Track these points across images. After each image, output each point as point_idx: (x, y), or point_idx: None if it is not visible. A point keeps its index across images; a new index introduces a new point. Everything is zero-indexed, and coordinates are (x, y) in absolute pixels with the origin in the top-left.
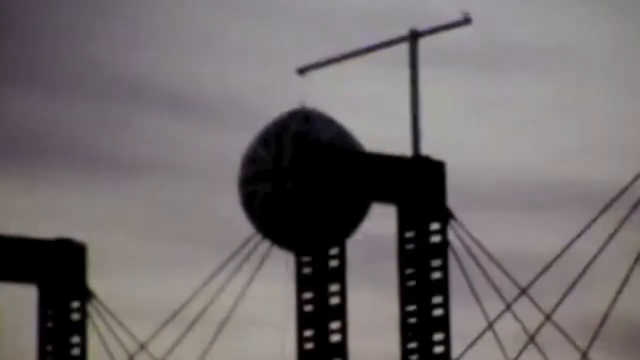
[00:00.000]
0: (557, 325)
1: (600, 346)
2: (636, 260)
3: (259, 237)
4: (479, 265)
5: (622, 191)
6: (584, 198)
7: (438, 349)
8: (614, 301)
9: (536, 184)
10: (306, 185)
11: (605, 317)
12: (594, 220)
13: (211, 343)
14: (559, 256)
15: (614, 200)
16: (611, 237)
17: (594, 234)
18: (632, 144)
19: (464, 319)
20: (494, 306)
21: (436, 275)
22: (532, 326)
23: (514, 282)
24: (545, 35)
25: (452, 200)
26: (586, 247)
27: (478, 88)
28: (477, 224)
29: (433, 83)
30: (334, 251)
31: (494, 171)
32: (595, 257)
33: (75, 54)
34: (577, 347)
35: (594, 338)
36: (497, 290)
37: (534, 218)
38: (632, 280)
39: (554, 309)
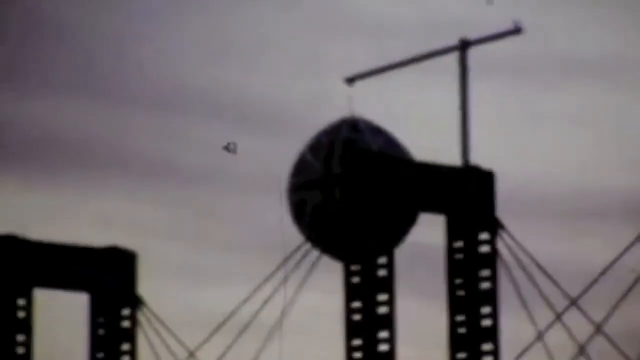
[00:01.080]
0: (607, 336)
1: None
2: None
3: (307, 245)
4: (528, 275)
5: None
6: (633, 209)
7: (487, 359)
8: None
9: (585, 194)
10: (355, 193)
11: None
12: None
13: (260, 350)
14: (609, 267)
15: None
16: None
17: None
18: None
19: (513, 329)
20: (543, 316)
21: (485, 285)
22: (581, 337)
23: (564, 292)
24: (593, 45)
25: (502, 210)
26: (636, 258)
27: (528, 98)
28: (526, 234)
29: (482, 93)
30: (382, 260)
31: (543, 181)
32: None
33: (131, 64)
34: (627, 358)
35: None
36: (547, 300)
37: (583, 228)
38: None
39: (605, 319)
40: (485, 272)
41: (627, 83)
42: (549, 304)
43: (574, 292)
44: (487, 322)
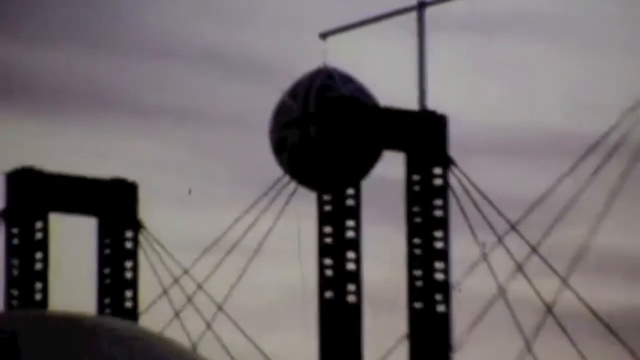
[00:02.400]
0: (541, 256)
1: (580, 274)
2: (611, 197)
3: (287, 178)
4: (475, 204)
5: (599, 140)
6: (567, 146)
7: (439, 276)
8: (591, 234)
9: (526, 134)
10: (328, 133)
11: (583, 248)
12: (576, 164)
13: (244, 270)
14: (545, 195)
15: (592, 147)
16: (590, 178)
17: (579, 177)
18: (615, 100)
19: (462, 250)
20: (489, 239)
21: (438, 212)
22: (520, 257)
23: (505, 218)
24: (546, 2)
25: (454, 149)
26: (571, 188)
27: (478, 51)
28: (475, 169)
29: (439, 47)
30: (350, 191)
31: (492, 123)
32: (576, 195)
33: (130, 16)
34: (557, 274)
35: (572, 266)
36: (490, 225)
37: (524, 164)
38: (607, 217)
39: (539, 242)
40: (438, 202)
41: (567, 37)
42: (492, 228)
43: (515, 219)
44: (439, 245)
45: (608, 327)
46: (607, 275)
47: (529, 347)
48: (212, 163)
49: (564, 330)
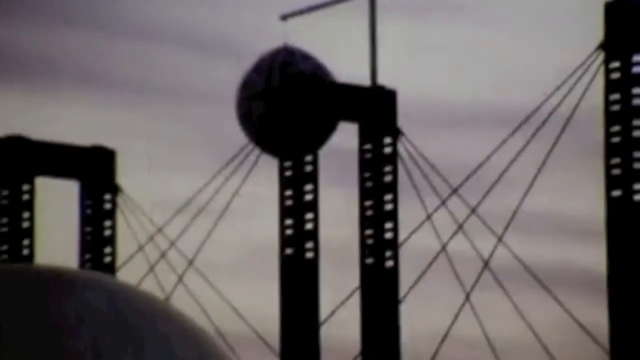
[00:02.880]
0: (479, 217)
1: (514, 234)
2: (540, 166)
3: (252, 145)
4: (421, 170)
5: (531, 113)
6: (504, 117)
7: (388, 235)
8: (523, 197)
9: (469, 107)
10: (290, 105)
11: (516, 211)
12: (511, 134)
13: (212, 229)
14: (483, 162)
15: (525, 119)
16: (523, 148)
17: (513, 148)
18: (547, 77)
19: (409, 212)
20: (433, 203)
21: (387, 178)
22: (462, 218)
23: (448, 182)
24: None
25: (402, 121)
26: (507, 156)
27: (424, 31)
28: (421, 139)
29: (388, 28)
30: (309, 158)
31: (437, 98)
32: (510, 162)
33: (111, 2)
34: (494, 233)
35: (507, 226)
36: (434, 189)
37: (467, 134)
38: (538, 182)
39: (478, 204)
40: (388, 168)
41: (505, 18)
42: (436, 192)
43: (457, 184)
44: (389, 207)
45: (539, 280)
46: (539, 234)
47: (467, 298)
48: (184, 132)
49: (499, 283)
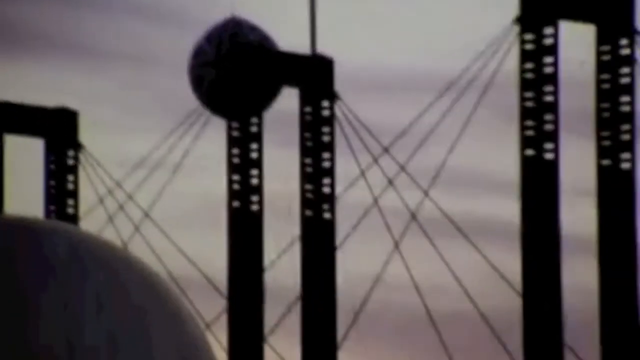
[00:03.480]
0: (409, 174)
1: (440, 188)
2: (463, 127)
3: (202, 108)
4: (355, 130)
5: (455, 79)
6: (435, 82)
7: (326, 189)
8: (447, 155)
9: (401, 72)
10: (237, 72)
11: (441, 167)
12: (437, 98)
13: (167, 183)
14: (413, 123)
15: (449, 85)
16: (448, 110)
17: (440, 111)
18: (472, 44)
19: (346, 170)
20: (366, 161)
21: (326, 138)
22: (392, 174)
23: (379, 142)
24: None
25: (339, 85)
26: (434, 119)
27: (361, 3)
28: (357, 103)
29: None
30: (255, 120)
31: (373, 63)
32: (436, 124)
33: None
34: (421, 187)
35: (433, 181)
36: (367, 148)
37: (398, 98)
38: (462, 142)
39: (407, 160)
40: (326, 129)
41: None
42: (369, 151)
43: (388, 143)
44: (326, 164)
45: (460, 230)
46: (462, 189)
47: (397, 246)
48: (141, 95)
49: (425, 233)
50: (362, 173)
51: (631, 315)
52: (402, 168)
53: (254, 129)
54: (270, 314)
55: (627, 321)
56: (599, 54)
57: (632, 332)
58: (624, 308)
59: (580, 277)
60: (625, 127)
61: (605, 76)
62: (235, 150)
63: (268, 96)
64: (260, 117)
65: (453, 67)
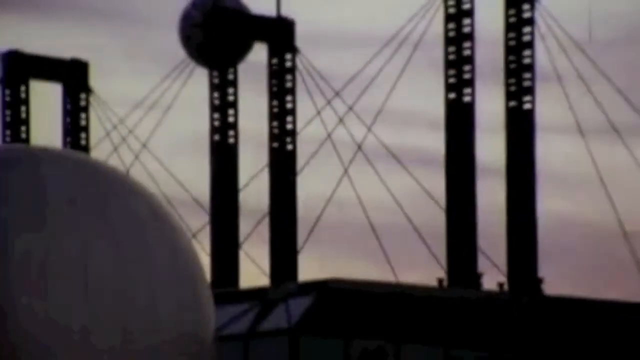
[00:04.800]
0: (355, 113)
1: (382, 125)
2: (400, 74)
3: (189, 59)
4: (313, 78)
5: (394, 35)
6: (381, 39)
7: (289, 126)
8: (386, 98)
9: (358, 30)
10: (218, 31)
11: (381, 108)
12: (379, 51)
13: (161, 120)
14: (360, 71)
15: (390, 40)
16: (388, 61)
17: (382, 61)
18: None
19: (305, 109)
20: (321, 101)
21: (289, 84)
22: (342, 113)
23: (331, 86)
24: None
25: (300, 41)
26: (377, 68)
27: None
28: (316, 55)
29: None
30: (231, 69)
31: (330, 22)
32: (378, 72)
33: None
34: (365, 124)
35: (375, 118)
36: (322, 91)
37: (352, 52)
38: (399, 87)
39: (354, 102)
40: (289, 77)
41: None
42: (323, 94)
43: (339, 88)
44: (289, 105)
45: (397, 159)
46: (399, 125)
47: (346, 172)
48: (140, 48)
49: (369, 161)
50: (318, 112)
51: (530, 227)
52: (350, 108)
53: (230, 76)
54: (245, 226)
55: (528, 232)
56: (507, 16)
57: (531, 240)
58: (525, 221)
59: (491, 196)
60: (527, 75)
61: (511, 34)
62: (216, 94)
63: (242, 50)
64: (235, 67)
65: (394, 25)
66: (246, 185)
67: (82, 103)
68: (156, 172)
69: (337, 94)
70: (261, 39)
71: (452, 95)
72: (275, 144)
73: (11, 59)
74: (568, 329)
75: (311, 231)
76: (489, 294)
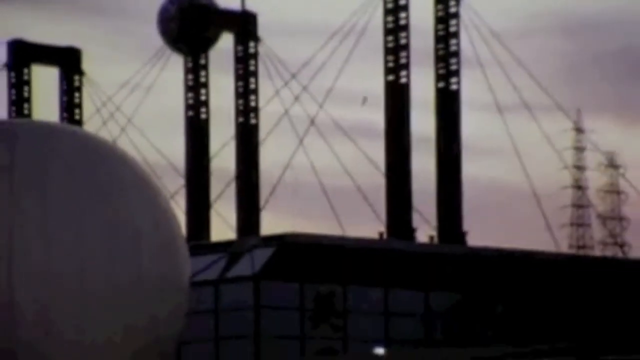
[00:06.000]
0: (309, 92)
1: (330, 103)
2: (347, 57)
3: (166, 47)
4: (273, 63)
5: (339, 27)
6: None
7: (252, 103)
8: (335, 79)
9: (316, 22)
10: (192, 23)
11: (331, 88)
12: (329, 39)
13: (143, 100)
14: (313, 56)
15: (336, 31)
16: (336, 49)
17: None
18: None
19: (266, 89)
20: (280, 83)
21: (252, 68)
22: (297, 91)
23: (288, 70)
24: None
25: (263, 31)
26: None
27: None
28: (277, 43)
29: None
30: (203, 55)
31: (290, 15)
32: (328, 57)
33: None
34: (317, 101)
35: (326, 97)
36: (280, 74)
37: (309, 41)
38: (347, 69)
39: (308, 83)
40: (252, 62)
41: None
42: (281, 77)
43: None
44: (252, 86)
45: (345, 131)
46: (347, 102)
47: (301, 142)
48: (125, 37)
49: (320, 134)
50: (277, 92)
51: (456, 189)
52: (304, 88)
53: (202, 61)
54: (215, 188)
55: (454, 193)
56: (436, 10)
57: (457, 200)
58: (452, 184)
59: (423, 163)
60: (454, 60)
61: (440, 26)
62: (190, 76)
63: (212, 39)
64: (207, 53)
65: (342, 18)
66: (216, 154)
67: (76, 84)
68: (139, 143)
69: (293, 76)
70: (228, 29)
71: (390, 77)
72: (241, 119)
73: (15, 46)
74: (487, 271)
75: (272, 193)
76: (422, 245)
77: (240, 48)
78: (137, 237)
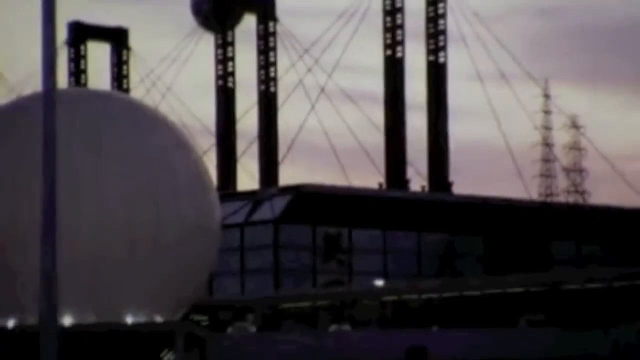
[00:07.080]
0: (319, 64)
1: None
2: (348, 42)
3: (199, 27)
4: (289, 41)
5: (348, 7)
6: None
7: (272, 74)
8: (343, 50)
9: (322, 4)
10: (221, 5)
11: (337, 63)
12: (335, 21)
13: (180, 70)
14: (321, 36)
15: (344, 12)
16: (340, 30)
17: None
18: None
19: (284, 63)
20: (296, 57)
21: (271, 44)
22: (310, 64)
23: (302, 46)
24: None
25: (281, 13)
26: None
27: None
28: (294, 23)
29: None
30: (230, 33)
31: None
32: (333, 39)
33: None
34: (327, 72)
35: (334, 67)
36: (295, 49)
37: (321, 21)
38: (348, 50)
39: (320, 57)
40: (272, 39)
41: None
42: (297, 52)
43: (309, 46)
44: (272, 59)
45: (352, 99)
46: (354, 73)
47: (313, 107)
48: (165, 18)
49: (330, 100)
50: (293, 64)
51: (444, 146)
52: (316, 61)
53: (229, 38)
54: (241, 146)
55: (442, 150)
56: None
57: (444, 155)
58: (440, 142)
59: (416, 124)
60: (441, 38)
61: (430, 8)
62: (219, 51)
63: (237, 19)
64: (233, 32)
65: (346, 2)
66: (241, 117)
67: (124, 58)
68: (177, 108)
69: (306, 51)
70: (251, 11)
71: (388, 52)
72: (262, 87)
73: (73, 27)
74: (471, 215)
75: (289, 149)
76: (415, 194)
77: (261, 27)
78: (176, 187)
